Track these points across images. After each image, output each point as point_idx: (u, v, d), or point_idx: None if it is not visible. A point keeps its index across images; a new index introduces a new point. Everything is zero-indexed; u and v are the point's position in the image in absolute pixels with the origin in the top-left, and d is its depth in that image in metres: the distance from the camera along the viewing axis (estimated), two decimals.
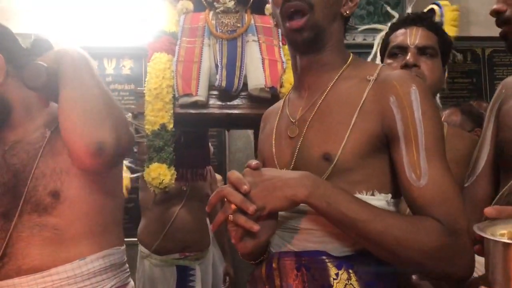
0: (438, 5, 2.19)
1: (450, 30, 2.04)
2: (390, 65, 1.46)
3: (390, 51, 1.51)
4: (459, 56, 3.31)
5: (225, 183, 4.34)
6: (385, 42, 1.57)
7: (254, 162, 0.93)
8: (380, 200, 0.95)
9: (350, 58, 1.08)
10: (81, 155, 1.14)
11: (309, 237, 0.97)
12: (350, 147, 0.95)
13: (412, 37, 1.47)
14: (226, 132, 4.63)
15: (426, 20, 1.52)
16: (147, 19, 2.16)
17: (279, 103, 1.22)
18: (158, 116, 1.88)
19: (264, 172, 0.91)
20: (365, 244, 0.91)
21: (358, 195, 0.94)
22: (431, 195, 0.89)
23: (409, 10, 2.35)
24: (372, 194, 0.95)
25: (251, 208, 0.85)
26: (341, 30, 1.08)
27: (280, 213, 0.95)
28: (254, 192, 0.88)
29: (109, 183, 1.33)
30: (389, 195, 0.96)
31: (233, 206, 0.88)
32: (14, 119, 1.29)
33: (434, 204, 0.89)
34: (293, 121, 1.07)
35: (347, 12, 1.06)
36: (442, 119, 2.27)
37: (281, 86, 1.99)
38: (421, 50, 1.45)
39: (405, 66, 1.42)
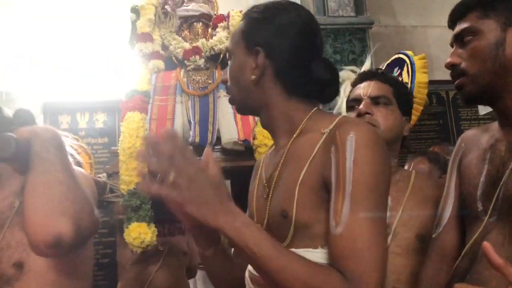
0: (405, 54, 2.31)
1: (422, 77, 2.16)
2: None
3: (347, 104, 1.62)
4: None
5: None
6: (347, 99, 1.67)
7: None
8: None
9: (312, 111, 1.05)
10: (38, 245, 1.14)
11: None
12: (301, 203, 0.95)
13: (365, 89, 1.56)
14: None
15: (379, 74, 1.62)
16: (118, 72, 2.19)
17: (262, 158, 1.22)
18: (133, 175, 1.88)
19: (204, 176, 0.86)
20: (267, 282, 0.89)
21: (320, 249, 0.93)
22: (343, 245, 0.86)
23: (368, 58, 2.48)
24: None
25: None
26: (271, 95, 1.05)
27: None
28: (186, 185, 0.82)
29: (78, 253, 1.31)
30: None
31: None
32: None
33: (342, 256, 0.86)
34: (264, 182, 1.08)
35: (253, 77, 1.04)
36: (411, 167, 2.34)
37: (254, 138, 2.03)
38: (374, 100, 1.54)
39: (359, 115, 1.51)
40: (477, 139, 1.26)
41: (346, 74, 2.39)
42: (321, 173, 0.94)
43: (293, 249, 0.92)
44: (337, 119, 1.00)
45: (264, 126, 1.12)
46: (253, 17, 1.08)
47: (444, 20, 1.28)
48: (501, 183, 1.11)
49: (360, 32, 3.99)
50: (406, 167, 2.42)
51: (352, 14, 4.03)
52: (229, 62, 1.11)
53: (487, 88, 1.16)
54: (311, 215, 0.94)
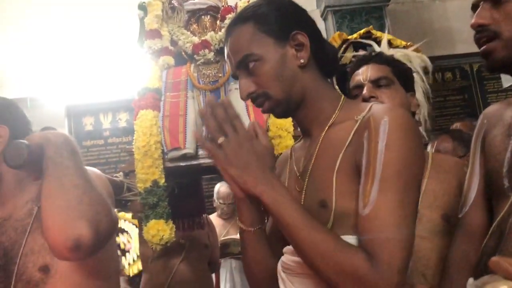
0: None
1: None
2: None
3: (352, 93, 1.58)
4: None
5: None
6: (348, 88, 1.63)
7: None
8: None
9: (341, 101, 1.06)
10: (59, 250, 1.15)
11: (311, 282, 0.96)
12: (340, 191, 0.94)
13: (364, 74, 1.53)
14: None
15: (374, 56, 1.59)
16: (133, 73, 2.21)
17: (288, 151, 1.21)
18: (148, 173, 1.90)
19: (250, 144, 0.94)
20: (296, 251, 0.93)
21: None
22: (369, 226, 0.86)
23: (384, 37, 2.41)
24: None
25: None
26: (312, 79, 1.05)
27: (293, 258, 0.97)
28: (232, 150, 0.92)
29: (103, 252, 1.32)
30: None
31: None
32: (5, 194, 1.30)
33: (368, 237, 0.86)
34: (298, 174, 1.08)
35: (302, 61, 1.03)
36: (434, 147, 2.28)
37: (267, 130, 2.01)
38: (376, 83, 1.51)
39: (364, 101, 1.46)
40: (500, 114, 1.21)
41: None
42: (354, 159, 0.94)
43: None
44: (370, 105, 1.00)
45: (300, 120, 1.09)
46: (262, 13, 1.05)
47: None
48: None
49: (376, 11, 3.91)
50: (429, 147, 2.37)
51: None
52: (255, 70, 1.02)
53: None
54: (350, 203, 0.93)
